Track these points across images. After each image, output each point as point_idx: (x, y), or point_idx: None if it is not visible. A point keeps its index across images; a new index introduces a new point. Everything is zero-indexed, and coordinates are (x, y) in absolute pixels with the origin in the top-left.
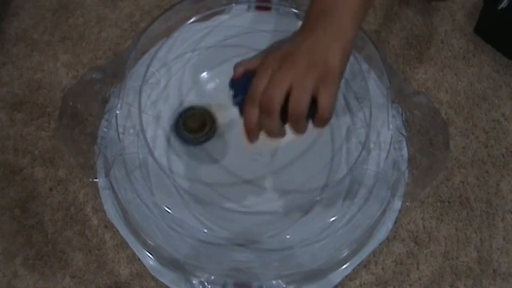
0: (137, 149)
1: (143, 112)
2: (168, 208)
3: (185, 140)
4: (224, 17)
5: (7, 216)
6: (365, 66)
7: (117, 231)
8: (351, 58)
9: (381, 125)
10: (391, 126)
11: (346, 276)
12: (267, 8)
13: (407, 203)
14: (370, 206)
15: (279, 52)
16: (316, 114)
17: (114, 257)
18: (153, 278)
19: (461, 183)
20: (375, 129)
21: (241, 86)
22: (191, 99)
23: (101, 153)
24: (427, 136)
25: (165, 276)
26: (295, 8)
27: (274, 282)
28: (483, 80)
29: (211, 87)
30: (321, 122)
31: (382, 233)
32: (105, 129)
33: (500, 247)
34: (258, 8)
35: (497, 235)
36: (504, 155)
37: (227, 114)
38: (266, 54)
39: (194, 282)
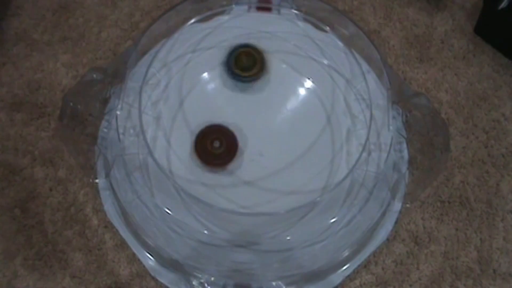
0: (137, 149)
1: (143, 112)
2: (168, 209)
3: (235, 78)
4: (224, 18)
5: (7, 216)
6: (365, 66)
7: (117, 231)
8: (351, 58)
9: (381, 126)
10: (391, 127)
11: (346, 277)
12: (268, 9)
13: (407, 204)
14: (370, 207)
15: None
16: None
17: (114, 257)
18: (153, 278)
19: (461, 183)
20: (375, 130)
21: None
22: (192, 96)
23: (101, 154)
24: (427, 137)
25: (165, 276)
26: (296, 9)
27: (274, 283)
28: (483, 80)
29: (212, 88)
30: None
31: (382, 234)
32: (105, 130)
33: (500, 247)
34: (259, 8)
35: (497, 235)
36: (504, 155)
37: (229, 115)
38: None
39: (194, 283)
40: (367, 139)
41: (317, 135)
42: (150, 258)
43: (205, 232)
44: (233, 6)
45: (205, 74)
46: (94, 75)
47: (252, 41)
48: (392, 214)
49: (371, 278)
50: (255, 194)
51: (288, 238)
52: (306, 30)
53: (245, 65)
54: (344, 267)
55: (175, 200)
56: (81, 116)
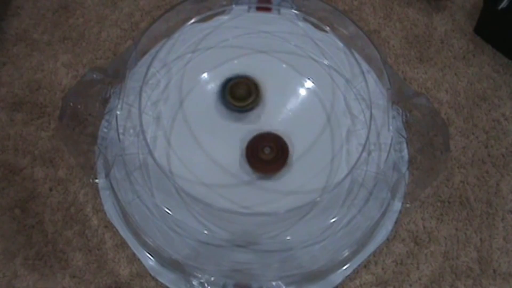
0: (137, 149)
1: (143, 112)
2: (168, 209)
3: (231, 108)
4: (224, 18)
5: (7, 216)
6: (365, 66)
7: (117, 231)
8: (351, 58)
9: (381, 126)
10: (391, 127)
11: (346, 277)
12: (268, 9)
13: (407, 204)
14: (370, 207)
15: None
16: None
17: (114, 257)
18: (153, 278)
19: (461, 183)
20: (375, 130)
21: None
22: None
23: (101, 154)
24: (427, 137)
25: (165, 276)
26: (296, 9)
27: (274, 283)
28: (483, 80)
29: (212, 88)
30: None
31: (382, 234)
32: (105, 130)
33: (500, 247)
34: (259, 9)
35: (497, 235)
36: (504, 155)
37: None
38: None
39: (194, 283)
40: (367, 139)
41: (317, 135)
42: (150, 258)
43: (205, 232)
44: (233, 6)
45: (205, 74)
46: (94, 75)
47: (252, 41)
48: (392, 214)
49: (371, 278)
50: (255, 194)
51: (288, 238)
52: (306, 30)
53: (240, 95)
54: (344, 267)
55: (175, 200)
56: (81, 116)
